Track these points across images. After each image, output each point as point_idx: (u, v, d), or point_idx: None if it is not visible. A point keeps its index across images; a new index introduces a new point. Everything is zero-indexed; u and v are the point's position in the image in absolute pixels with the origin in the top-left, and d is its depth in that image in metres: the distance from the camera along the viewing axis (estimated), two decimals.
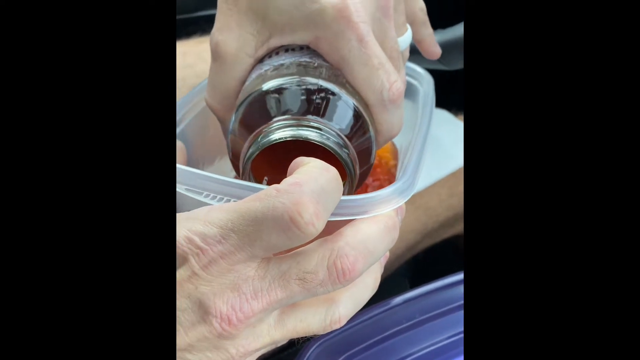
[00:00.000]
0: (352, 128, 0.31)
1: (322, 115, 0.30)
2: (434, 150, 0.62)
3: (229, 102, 0.34)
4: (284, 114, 0.30)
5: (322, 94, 0.31)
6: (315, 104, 0.30)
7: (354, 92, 0.32)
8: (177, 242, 0.25)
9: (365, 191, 0.37)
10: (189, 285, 0.25)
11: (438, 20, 0.42)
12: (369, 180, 0.39)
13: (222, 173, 0.40)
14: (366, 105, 0.32)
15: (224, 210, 0.26)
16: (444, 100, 0.64)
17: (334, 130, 0.30)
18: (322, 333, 0.29)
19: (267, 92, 0.31)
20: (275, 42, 0.33)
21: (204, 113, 0.38)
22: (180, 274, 0.26)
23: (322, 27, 0.31)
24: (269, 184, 0.29)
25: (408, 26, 0.38)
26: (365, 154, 0.32)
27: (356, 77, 0.32)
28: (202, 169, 0.39)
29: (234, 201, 0.27)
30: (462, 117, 0.65)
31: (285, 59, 0.32)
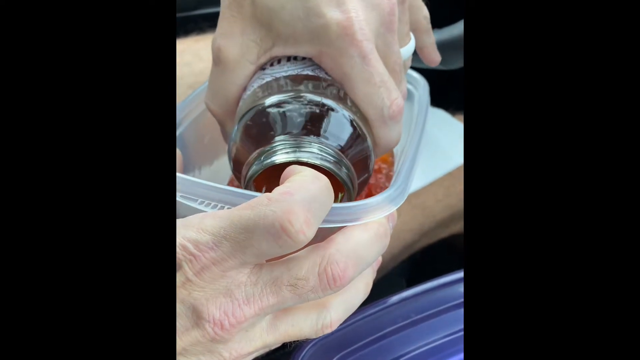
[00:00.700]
0: (351, 143, 0.32)
1: (322, 133, 0.31)
2: (431, 150, 0.62)
3: (230, 107, 0.34)
4: (285, 131, 0.31)
5: (323, 111, 0.31)
6: (316, 122, 0.31)
7: (354, 107, 0.32)
8: None
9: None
10: (183, 291, 0.26)
11: (434, 19, 0.42)
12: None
13: (219, 174, 0.40)
14: (366, 120, 0.33)
15: (217, 217, 0.26)
16: (441, 99, 0.64)
17: (332, 150, 0.30)
18: (313, 337, 0.29)
19: (269, 107, 0.31)
20: (278, 51, 0.33)
21: (203, 116, 0.38)
22: None
23: (326, 43, 0.32)
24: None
25: (411, 35, 0.38)
26: (363, 165, 0.32)
27: (358, 93, 0.32)
28: (200, 171, 0.39)
29: (228, 208, 0.27)
30: (459, 116, 0.65)
31: (287, 70, 0.33)
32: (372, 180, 0.39)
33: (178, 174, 0.30)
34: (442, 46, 0.45)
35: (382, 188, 0.39)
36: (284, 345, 0.31)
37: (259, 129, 0.31)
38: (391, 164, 0.41)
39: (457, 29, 0.46)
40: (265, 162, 0.30)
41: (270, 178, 0.31)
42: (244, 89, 0.34)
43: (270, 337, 0.28)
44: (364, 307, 0.34)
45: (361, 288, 0.30)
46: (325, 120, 0.31)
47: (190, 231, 0.26)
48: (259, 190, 0.32)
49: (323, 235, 0.28)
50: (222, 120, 0.36)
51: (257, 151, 0.31)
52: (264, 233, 0.25)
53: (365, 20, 0.32)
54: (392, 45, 0.34)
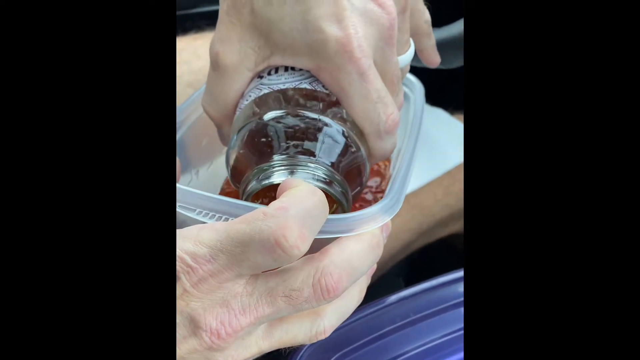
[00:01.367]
0: (346, 158, 0.32)
1: (318, 152, 0.31)
2: (430, 149, 0.62)
3: (227, 112, 0.35)
4: (282, 149, 0.31)
5: (320, 128, 0.32)
6: (312, 139, 0.32)
7: (351, 120, 0.33)
8: None
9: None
10: (181, 302, 0.27)
11: (432, 18, 0.42)
12: None
13: (216, 177, 0.41)
14: (361, 133, 0.33)
15: (214, 230, 0.27)
16: (440, 98, 0.64)
17: (327, 168, 0.31)
18: (307, 343, 0.30)
19: (267, 123, 0.32)
20: (275, 60, 0.33)
21: (201, 119, 0.39)
22: None
23: (324, 59, 0.32)
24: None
25: (411, 41, 0.38)
26: (358, 177, 0.33)
27: (354, 109, 0.33)
28: (197, 174, 0.40)
29: (226, 218, 0.29)
30: (458, 115, 0.65)
31: (284, 82, 0.33)
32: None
33: (177, 185, 0.31)
34: (441, 45, 0.45)
35: (375, 189, 0.40)
36: (279, 352, 0.32)
37: (257, 144, 0.32)
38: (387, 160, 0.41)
39: (455, 28, 0.46)
40: (262, 182, 0.31)
41: (267, 191, 0.32)
42: (242, 94, 0.34)
43: (265, 343, 0.29)
44: (362, 306, 0.34)
45: (355, 295, 0.31)
46: (321, 137, 0.32)
47: (188, 243, 0.27)
48: (256, 202, 0.33)
49: (318, 245, 0.28)
50: (219, 124, 0.36)
51: (256, 168, 0.31)
52: (259, 247, 0.26)
53: (364, 37, 0.32)
54: (390, 58, 0.34)
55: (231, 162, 0.33)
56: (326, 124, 0.32)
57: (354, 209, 0.36)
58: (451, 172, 0.61)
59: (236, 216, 0.29)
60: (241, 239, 0.26)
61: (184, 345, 0.27)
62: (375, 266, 0.32)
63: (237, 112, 0.34)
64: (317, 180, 0.31)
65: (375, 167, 0.40)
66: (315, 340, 0.30)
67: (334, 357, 0.38)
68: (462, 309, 0.40)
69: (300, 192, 0.28)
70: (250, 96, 0.34)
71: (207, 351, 0.27)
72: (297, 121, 0.32)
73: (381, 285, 0.57)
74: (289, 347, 0.30)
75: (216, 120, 0.36)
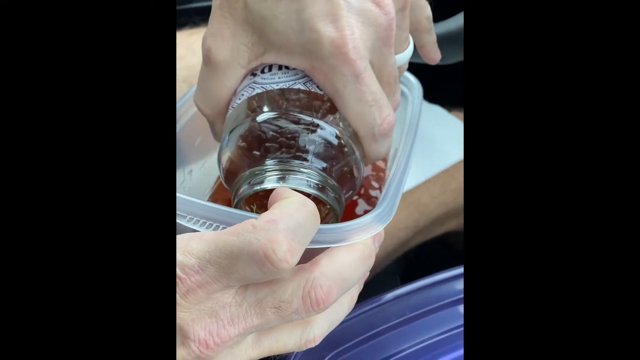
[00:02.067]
0: (340, 162, 0.32)
1: (311, 156, 0.31)
2: (427, 147, 0.62)
3: (220, 109, 0.34)
4: (274, 152, 0.31)
5: (313, 131, 0.31)
6: (305, 143, 0.31)
7: (345, 122, 0.32)
8: None
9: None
10: None
11: None
12: None
13: (209, 177, 0.41)
14: (356, 135, 0.33)
15: (203, 240, 0.27)
16: (437, 95, 0.63)
17: (319, 174, 0.31)
18: (297, 351, 0.30)
19: (260, 125, 0.31)
20: (269, 58, 0.33)
21: (195, 118, 0.39)
22: None
23: (319, 59, 0.31)
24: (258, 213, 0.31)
25: (410, 39, 0.38)
26: (352, 180, 0.33)
27: (349, 111, 0.32)
28: (191, 174, 0.39)
29: (217, 226, 0.29)
30: (455, 112, 0.65)
31: (278, 81, 0.32)
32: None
33: None
34: (438, 41, 0.44)
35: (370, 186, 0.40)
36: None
37: (249, 146, 0.32)
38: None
39: (452, 23, 0.46)
40: (254, 188, 0.31)
41: (259, 196, 0.32)
42: (234, 91, 0.34)
43: (254, 352, 0.29)
44: (358, 304, 0.34)
45: (345, 303, 0.31)
46: (314, 141, 0.31)
47: (177, 253, 0.27)
48: (248, 206, 0.33)
49: (309, 255, 0.28)
50: (211, 121, 0.36)
51: (248, 171, 0.31)
52: (248, 260, 0.26)
53: (360, 38, 0.31)
54: (387, 59, 0.33)
55: (223, 162, 0.33)
56: (320, 127, 0.31)
57: (350, 209, 0.36)
58: (448, 170, 0.61)
59: (227, 224, 0.29)
60: (230, 251, 0.26)
61: None
62: (367, 274, 0.31)
63: (230, 111, 0.34)
64: (310, 186, 0.31)
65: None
66: (305, 349, 0.30)
67: (329, 356, 0.38)
68: (458, 307, 0.40)
69: (291, 204, 0.27)
70: (242, 95, 0.33)
71: None
72: (291, 124, 0.31)
73: (377, 283, 0.57)
74: (278, 355, 0.30)
75: (208, 116, 0.35)
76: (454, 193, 0.61)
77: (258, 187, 0.31)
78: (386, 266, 0.62)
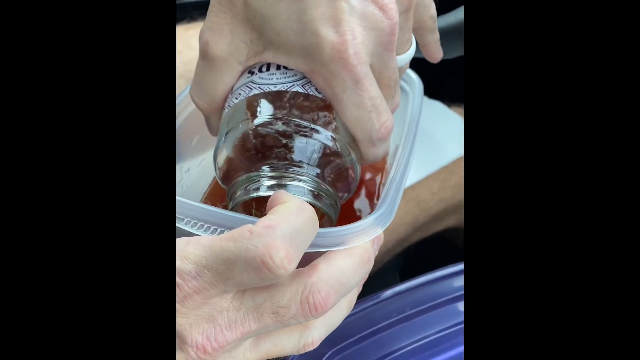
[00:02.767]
0: (336, 165, 0.32)
1: (307, 161, 0.31)
2: (427, 143, 0.61)
3: (216, 104, 0.34)
4: (271, 157, 0.31)
5: (310, 136, 0.31)
6: (302, 148, 0.31)
7: (343, 126, 0.32)
8: None
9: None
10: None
11: None
12: None
13: (206, 175, 0.41)
14: (353, 139, 0.33)
15: (200, 246, 0.27)
16: (437, 90, 0.63)
17: (315, 180, 0.31)
18: (295, 354, 0.30)
19: (257, 128, 0.31)
20: (268, 56, 0.32)
21: (193, 116, 0.38)
22: None
23: (319, 63, 0.31)
24: (256, 214, 0.32)
25: (413, 40, 0.37)
26: (347, 182, 0.33)
27: (347, 116, 0.32)
28: (189, 172, 0.39)
29: (214, 229, 0.29)
30: (455, 108, 0.65)
31: (276, 82, 0.32)
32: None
33: None
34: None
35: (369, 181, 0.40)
36: None
37: (245, 149, 0.31)
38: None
39: (452, 17, 0.46)
40: (251, 194, 0.31)
41: (257, 199, 0.31)
42: (231, 88, 0.33)
43: (253, 355, 0.29)
44: (358, 301, 0.34)
45: (344, 307, 0.31)
46: (311, 146, 0.31)
47: None
48: (246, 208, 0.32)
49: (308, 259, 0.28)
50: (207, 115, 0.35)
51: (244, 176, 0.31)
52: (245, 266, 0.26)
53: (361, 43, 0.30)
54: (389, 63, 0.33)
55: (220, 163, 0.33)
56: (317, 131, 0.31)
57: (346, 208, 0.35)
58: (448, 166, 0.61)
59: (225, 227, 0.29)
60: (227, 257, 0.26)
61: None
62: (366, 277, 0.31)
63: (226, 109, 0.33)
64: (306, 193, 0.30)
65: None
66: (303, 352, 0.30)
67: (329, 352, 0.38)
68: (458, 304, 0.40)
69: (289, 210, 0.27)
70: (240, 94, 0.33)
71: None
72: (288, 127, 0.31)
73: (377, 279, 0.57)
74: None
75: (204, 110, 0.35)
76: (454, 189, 0.61)
77: (254, 194, 0.31)
78: (385, 263, 0.62)
